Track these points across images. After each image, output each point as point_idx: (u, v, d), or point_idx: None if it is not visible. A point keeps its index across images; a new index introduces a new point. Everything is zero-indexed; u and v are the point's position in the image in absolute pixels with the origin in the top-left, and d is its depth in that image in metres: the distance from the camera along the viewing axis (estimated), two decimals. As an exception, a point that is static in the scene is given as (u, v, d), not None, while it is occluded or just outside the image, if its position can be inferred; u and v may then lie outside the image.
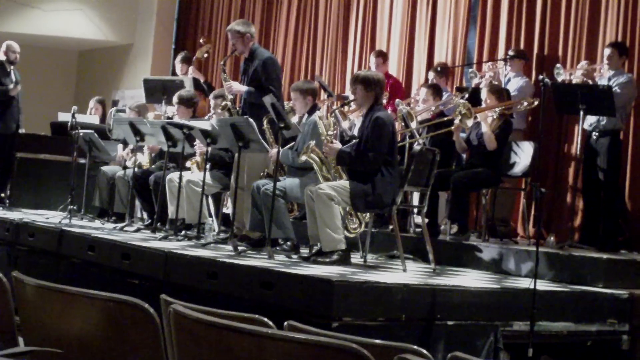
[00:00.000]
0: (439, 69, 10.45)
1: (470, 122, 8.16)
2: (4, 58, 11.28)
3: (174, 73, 13.07)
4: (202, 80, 11.95)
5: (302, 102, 7.94)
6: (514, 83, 9.51)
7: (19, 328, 3.19)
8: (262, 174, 7.97)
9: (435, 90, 9.20)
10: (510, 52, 9.79)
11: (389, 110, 8.62)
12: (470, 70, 10.12)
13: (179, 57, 12.33)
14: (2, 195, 11.31)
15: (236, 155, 7.70)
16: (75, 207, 9.49)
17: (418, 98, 9.48)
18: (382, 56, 10.73)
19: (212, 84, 13.19)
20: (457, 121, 8.19)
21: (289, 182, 7.52)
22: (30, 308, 3.04)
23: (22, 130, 11.55)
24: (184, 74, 11.91)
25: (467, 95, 8.96)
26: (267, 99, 7.33)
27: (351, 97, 7.34)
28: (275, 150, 7.37)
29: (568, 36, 9.85)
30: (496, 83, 9.27)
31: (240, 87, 8.16)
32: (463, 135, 8.55)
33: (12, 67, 11.31)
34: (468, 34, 11.02)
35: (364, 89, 7.02)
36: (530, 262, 7.21)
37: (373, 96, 7.04)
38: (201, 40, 12.65)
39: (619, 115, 8.24)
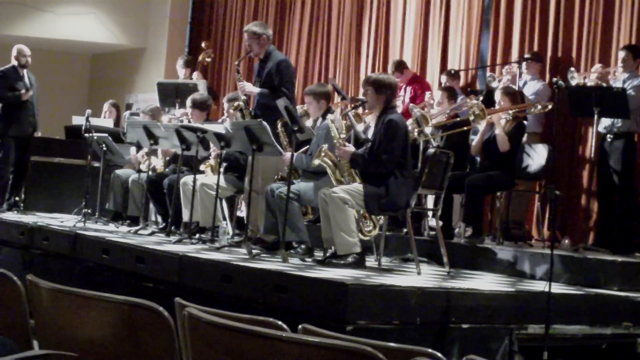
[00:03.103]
0: (452, 72, 10.44)
1: (483, 123, 8.15)
2: (15, 62, 11.28)
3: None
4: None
5: (315, 106, 7.92)
6: (531, 86, 9.48)
7: (34, 331, 3.19)
8: (276, 177, 7.96)
9: (451, 93, 9.19)
10: (527, 55, 9.76)
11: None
12: (488, 74, 10.06)
13: (180, 61, 12.24)
14: (17, 198, 11.33)
15: (250, 158, 7.70)
16: (89, 211, 9.50)
17: (432, 102, 9.47)
18: (399, 70, 10.57)
19: (212, 89, 13.14)
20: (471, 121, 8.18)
21: (303, 186, 7.51)
22: (44, 311, 3.05)
23: (38, 134, 11.57)
24: (186, 77, 11.86)
25: (481, 98, 8.94)
26: (281, 102, 7.31)
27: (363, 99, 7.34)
28: (289, 153, 7.36)
29: (582, 39, 9.80)
30: (512, 86, 9.24)
31: (253, 89, 8.15)
32: (474, 137, 8.53)
33: (24, 70, 11.29)
34: (481, 38, 10.99)
35: (375, 91, 7.01)
36: (544, 265, 7.18)
37: (384, 99, 7.02)
38: (203, 45, 12.63)
39: (634, 117, 8.21)
